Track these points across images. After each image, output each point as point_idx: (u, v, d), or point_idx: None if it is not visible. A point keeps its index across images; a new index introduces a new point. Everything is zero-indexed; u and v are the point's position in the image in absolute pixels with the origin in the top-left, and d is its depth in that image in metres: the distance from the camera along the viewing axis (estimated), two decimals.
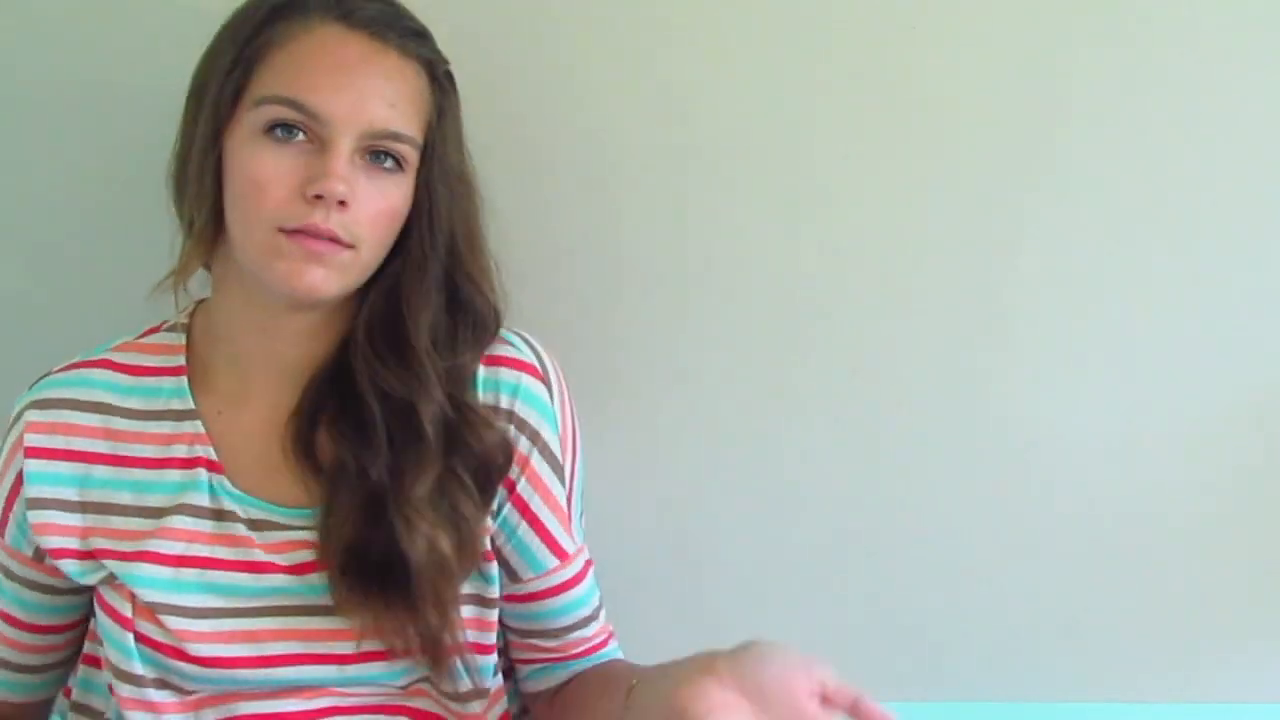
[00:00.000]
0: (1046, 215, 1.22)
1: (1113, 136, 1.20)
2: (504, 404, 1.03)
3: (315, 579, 1.00)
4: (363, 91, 0.93)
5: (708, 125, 1.20)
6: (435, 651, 0.99)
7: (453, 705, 1.04)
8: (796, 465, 1.28)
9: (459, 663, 1.00)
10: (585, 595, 1.08)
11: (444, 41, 1.01)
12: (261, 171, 0.93)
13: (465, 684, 1.02)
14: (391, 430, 0.98)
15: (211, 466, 1.01)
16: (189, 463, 1.01)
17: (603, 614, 1.10)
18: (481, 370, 1.03)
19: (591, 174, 1.21)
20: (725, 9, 1.18)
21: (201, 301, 1.06)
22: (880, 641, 1.33)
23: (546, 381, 1.05)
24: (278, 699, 1.01)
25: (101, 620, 1.02)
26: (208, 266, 1.02)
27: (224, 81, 0.95)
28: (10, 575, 1.06)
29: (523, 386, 1.04)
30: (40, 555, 1.03)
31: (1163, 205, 1.22)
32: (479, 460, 1.00)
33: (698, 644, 1.30)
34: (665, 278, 1.24)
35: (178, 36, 0.99)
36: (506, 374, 1.04)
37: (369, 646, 1.00)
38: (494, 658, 1.05)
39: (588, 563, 1.08)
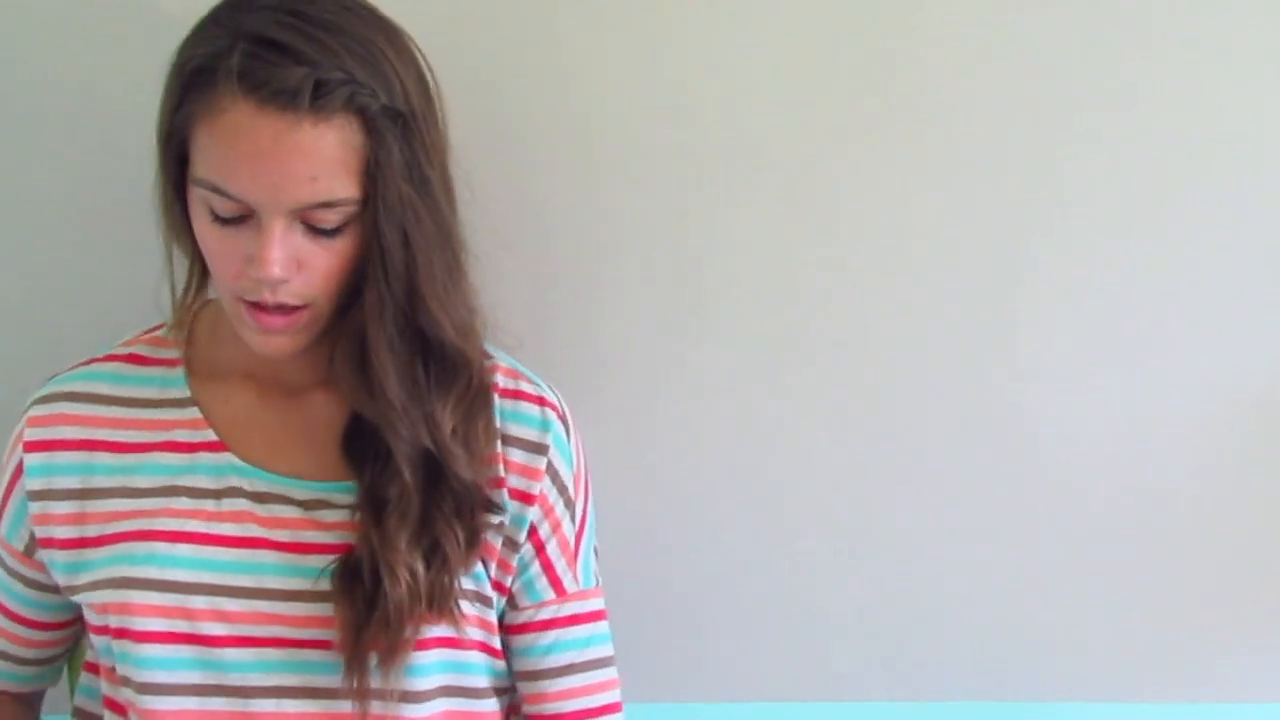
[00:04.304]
0: (1051, 215, 1.22)
1: (1118, 137, 1.20)
2: (532, 437, 1.04)
3: (311, 560, 1.00)
4: (280, 175, 0.90)
5: (707, 124, 1.20)
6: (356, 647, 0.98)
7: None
8: (795, 465, 1.28)
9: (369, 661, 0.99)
10: (581, 639, 1.07)
11: (435, 38, 1.00)
12: (213, 247, 0.95)
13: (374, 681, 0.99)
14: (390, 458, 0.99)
15: (213, 448, 1.02)
16: (190, 447, 1.03)
17: (600, 675, 1.08)
18: (501, 402, 1.04)
19: (586, 171, 1.21)
20: (723, 5, 1.17)
21: (208, 302, 1.07)
22: (880, 641, 1.33)
23: (564, 419, 1.07)
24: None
25: (93, 638, 1.03)
26: None
27: (166, 147, 0.95)
28: (6, 569, 1.07)
29: (551, 423, 1.05)
30: (31, 549, 1.04)
31: (1168, 205, 1.22)
32: (460, 499, 1.00)
33: (695, 644, 1.32)
34: (662, 278, 1.23)
35: (178, 36, 0.97)
36: (530, 408, 1.05)
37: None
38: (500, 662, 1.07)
39: (591, 614, 1.08)
